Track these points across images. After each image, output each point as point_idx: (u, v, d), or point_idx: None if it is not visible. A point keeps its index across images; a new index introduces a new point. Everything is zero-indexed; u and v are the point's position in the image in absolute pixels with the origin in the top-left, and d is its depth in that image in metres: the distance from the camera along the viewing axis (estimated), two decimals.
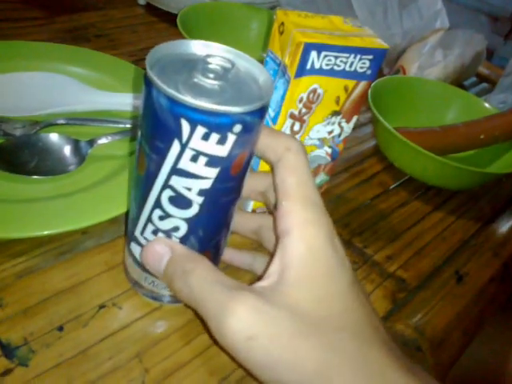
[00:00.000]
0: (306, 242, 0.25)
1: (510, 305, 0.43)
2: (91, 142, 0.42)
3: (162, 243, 0.27)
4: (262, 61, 0.36)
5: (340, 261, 0.25)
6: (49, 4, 0.70)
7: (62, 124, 0.44)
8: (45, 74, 0.49)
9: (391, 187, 0.51)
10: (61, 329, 0.30)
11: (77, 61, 0.52)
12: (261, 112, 0.25)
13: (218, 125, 0.23)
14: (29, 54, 0.51)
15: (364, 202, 0.48)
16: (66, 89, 0.48)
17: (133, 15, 0.74)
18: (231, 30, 0.64)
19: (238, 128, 0.24)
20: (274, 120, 0.35)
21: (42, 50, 0.52)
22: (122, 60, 0.54)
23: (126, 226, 0.36)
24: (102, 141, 0.42)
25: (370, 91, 0.50)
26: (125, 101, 0.48)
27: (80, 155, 0.41)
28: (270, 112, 0.36)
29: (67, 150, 0.41)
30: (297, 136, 0.36)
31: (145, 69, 0.24)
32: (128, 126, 0.45)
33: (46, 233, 0.33)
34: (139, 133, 0.27)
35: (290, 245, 0.25)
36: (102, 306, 0.32)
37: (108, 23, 0.69)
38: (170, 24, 0.70)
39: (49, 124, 0.43)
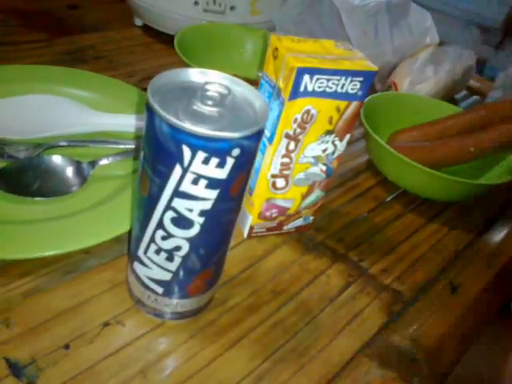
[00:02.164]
0: None
1: (504, 314, 0.44)
2: (93, 163, 0.43)
3: None
4: (257, 80, 0.37)
5: None
6: (49, 27, 0.72)
7: (64, 146, 0.45)
8: (46, 96, 0.50)
9: (385, 201, 0.52)
10: (67, 347, 0.31)
11: (77, 83, 0.53)
12: (257, 136, 0.26)
13: (217, 150, 0.25)
14: (30, 77, 0.53)
15: (359, 216, 0.49)
16: (68, 111, 0.49)
17: (130, 36, 0.75)
18: (227, 50, 0.65)
19: (236, 152, 0.25)
20: (270, 140, 0.37)
21: (43, 72, 0.54)
22: (121, 81, 0.56)
23: (128, 245, 0.37)
24: (104, 162, 0.44)
25: (362, 107, 0.51)
26: (124, 122, 0.49)
27: (82, 176, 0.42)
28: (266, 132, 0.37)
29: (69, 172, 0.42)
30: (292, 155, 0.37)
31: (146, 92, 0.25)
32: (128, 146, 0.46)
33: (49, 253, 0.34)
34: (141, 155, 0.28)
35: None
36: (106, 324, 0.33)
37: (106, 45, 0.71)
38: (166, 44, 0.72)
39: (51, 146, 0.45)
